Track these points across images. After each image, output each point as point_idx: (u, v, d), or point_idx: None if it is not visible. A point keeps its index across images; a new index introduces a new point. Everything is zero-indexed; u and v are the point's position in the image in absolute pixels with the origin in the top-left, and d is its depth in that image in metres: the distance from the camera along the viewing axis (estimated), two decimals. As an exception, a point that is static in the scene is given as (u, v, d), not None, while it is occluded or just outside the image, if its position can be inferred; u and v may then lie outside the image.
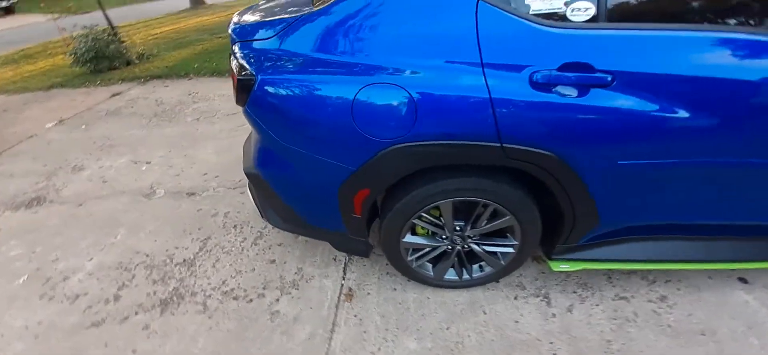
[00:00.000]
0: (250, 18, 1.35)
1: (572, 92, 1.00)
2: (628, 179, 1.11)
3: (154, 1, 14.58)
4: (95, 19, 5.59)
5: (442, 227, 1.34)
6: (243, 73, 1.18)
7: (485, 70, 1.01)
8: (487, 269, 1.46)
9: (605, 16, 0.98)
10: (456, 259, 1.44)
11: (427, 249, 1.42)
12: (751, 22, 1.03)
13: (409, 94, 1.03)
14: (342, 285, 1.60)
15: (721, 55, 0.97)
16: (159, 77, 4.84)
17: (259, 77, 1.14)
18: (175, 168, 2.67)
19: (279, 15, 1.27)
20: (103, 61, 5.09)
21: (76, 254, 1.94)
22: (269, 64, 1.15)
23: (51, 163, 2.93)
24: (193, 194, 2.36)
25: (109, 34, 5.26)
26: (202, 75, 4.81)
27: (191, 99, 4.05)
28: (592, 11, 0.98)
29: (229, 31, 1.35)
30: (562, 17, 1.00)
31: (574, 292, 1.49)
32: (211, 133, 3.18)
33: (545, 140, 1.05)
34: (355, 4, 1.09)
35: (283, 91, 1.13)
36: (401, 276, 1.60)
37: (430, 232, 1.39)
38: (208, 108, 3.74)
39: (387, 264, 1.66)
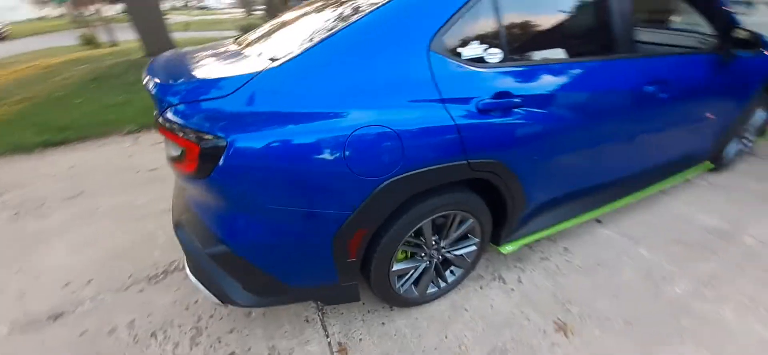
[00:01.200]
0: (183, 75, 1.16)
1: (501, 113, 1.29)
2: (540, 169, 1.50)
3: None
4: None
5: (422, 246, 1.45)
6: (203, 138, 1.01)
7: (446, 104, 1.20)
8: (458, 272, 1.64)
9: (508, 57, 1.32)
10: (434, 272, 1.57)
11: (411, 271, 1.50)
12: (596, 51, 1.57)
13: (395, 132, 1.12)
14: (330, 344, 1.48)
15: (581, 74, 1.45)
16: None
17: (232, 139, 1.01)
18: (11, 290, 1.86)
19: (223, 71, 1.15)
20: None
21: None
22: (241, 124, 1.02)
23: None
24: (60, 314, 1.71)
25: None
26: (-4, 155, 3.47)
27: (-12, 191, 2.88)
28: (501, 55, 1.30)
29: (153, 92, 1.12)
30: (483, 60, 1.28)
31: (516, 266, 1.84)
32: (50, 228, 2.35)
33: (492, 151, 1.32)
34: (325, 55, 1.11)
35: (265, 151, 1.03)
36: (383, 309, 1.61)
37: (409, 254, 1.48)
38: (29, 197, 2.74)
39: (364, 303, 1.63)
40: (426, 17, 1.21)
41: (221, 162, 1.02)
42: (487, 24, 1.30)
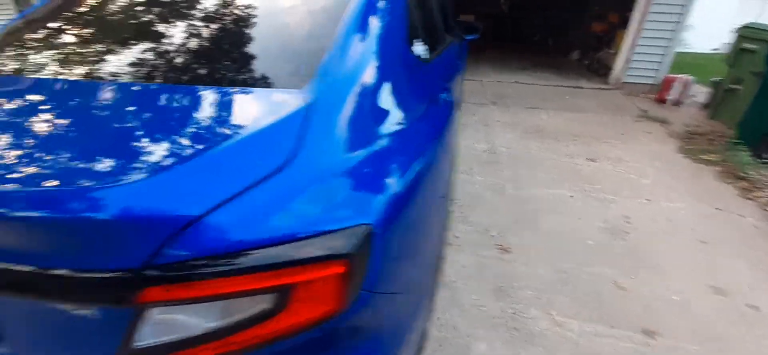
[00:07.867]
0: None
1: (445, 97, 1.52)
2: None
3: None
4: None
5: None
6: (335, 242, 0.63)
7: (431, 99, 1.29)
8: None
9: (431, 52, 1.53)
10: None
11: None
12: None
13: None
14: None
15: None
16: None
17: (371, 218, 0.67)
18: None
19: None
20: None
21: None
22: (349, 187, 0.71)
23: None
24: None
25: None
26: None
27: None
28: (428, 51, 1.49)
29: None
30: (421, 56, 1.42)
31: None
32: None
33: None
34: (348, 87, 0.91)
35: (402, 205, 0.77)
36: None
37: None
38: None
39: None
40: (394, 15, 1.19)
41: (370, 260, 0.67)
42: (416, 22, 1.41)
